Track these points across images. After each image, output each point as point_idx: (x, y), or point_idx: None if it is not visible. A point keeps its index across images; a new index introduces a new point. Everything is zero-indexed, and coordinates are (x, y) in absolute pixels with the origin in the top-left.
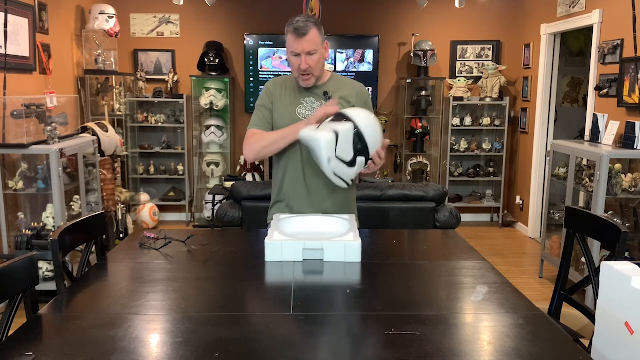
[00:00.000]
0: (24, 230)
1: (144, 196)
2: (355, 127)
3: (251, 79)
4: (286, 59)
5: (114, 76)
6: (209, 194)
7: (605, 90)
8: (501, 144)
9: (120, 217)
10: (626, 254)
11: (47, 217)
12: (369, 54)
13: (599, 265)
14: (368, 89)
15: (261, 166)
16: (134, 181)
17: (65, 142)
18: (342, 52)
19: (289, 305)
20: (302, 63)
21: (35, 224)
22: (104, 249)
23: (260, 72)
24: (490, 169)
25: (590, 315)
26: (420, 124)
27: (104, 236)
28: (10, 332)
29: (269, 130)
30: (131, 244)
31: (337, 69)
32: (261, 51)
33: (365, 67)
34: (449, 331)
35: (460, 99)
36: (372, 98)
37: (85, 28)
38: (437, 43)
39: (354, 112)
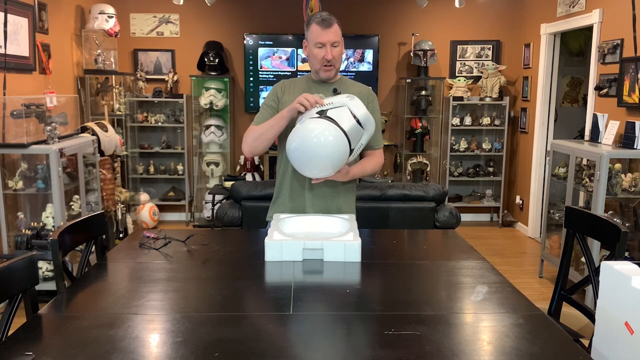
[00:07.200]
0: (24, 230)
1: (144, 196)
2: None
3: (251, 79)
4: (286, 59)
5: (114, 76)
6: (209, 194)
7: (605, 90)
8: (501, 144)
9: (120, 217)
10: (626, 254)
11: (47, 217)
12: (369, 54)
13: (599, 265)
14: None
15: (261, 166)
16: (134, 181)
17: (65, 142)
18: None
19: (289, 305)
20: (328, 53)
21: (35, 224)
22: (104, 249)
23: (260, 72)
24: (490, 169)
25: (590, 315)
26: (420, 124)
27: (104, 236)
28: (10, 332)
29: None
30: (131, 244)
31: None
32: (261, 51)
33: (365, 67)
34: (449, 331)
35: (460, 99)
36: None
37: (85, 28)
38: (437, 43)
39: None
